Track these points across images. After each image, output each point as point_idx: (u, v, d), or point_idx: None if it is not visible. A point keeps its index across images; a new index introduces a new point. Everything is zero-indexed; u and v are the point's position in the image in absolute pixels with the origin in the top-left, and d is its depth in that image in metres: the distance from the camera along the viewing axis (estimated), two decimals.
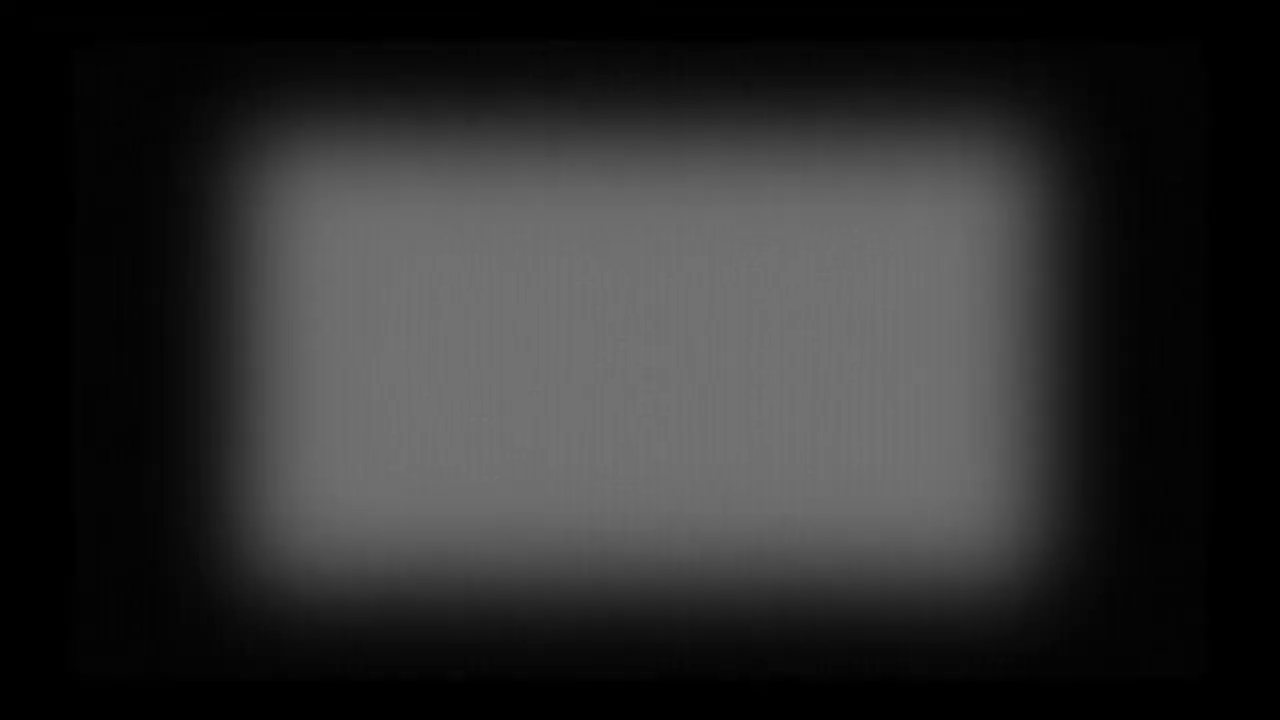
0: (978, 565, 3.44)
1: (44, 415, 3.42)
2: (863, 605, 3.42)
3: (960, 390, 3.46)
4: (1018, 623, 3.43)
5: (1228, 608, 3.38)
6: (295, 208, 3.50)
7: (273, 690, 3.43)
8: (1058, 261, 3.46)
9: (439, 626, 3.45)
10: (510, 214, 3.50)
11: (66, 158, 3.43)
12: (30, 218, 3.39)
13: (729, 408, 3.48)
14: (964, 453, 3.45)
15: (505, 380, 3.49)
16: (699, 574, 3.45)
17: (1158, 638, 3.42)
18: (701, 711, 3.41)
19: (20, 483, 3.40)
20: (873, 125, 3.46)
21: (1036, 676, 3.42)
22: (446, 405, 3.46)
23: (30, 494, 3.40)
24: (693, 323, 3.49)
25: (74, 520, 3.43)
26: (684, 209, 3.47)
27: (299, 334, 3.48)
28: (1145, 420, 3.42)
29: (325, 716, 3.41)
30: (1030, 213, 3.46)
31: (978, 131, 3.46)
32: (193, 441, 3.45)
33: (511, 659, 3.45)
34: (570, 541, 3.47)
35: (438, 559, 3.45)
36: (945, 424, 3.46)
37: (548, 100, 3.48)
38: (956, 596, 3.43)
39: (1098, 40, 3.43)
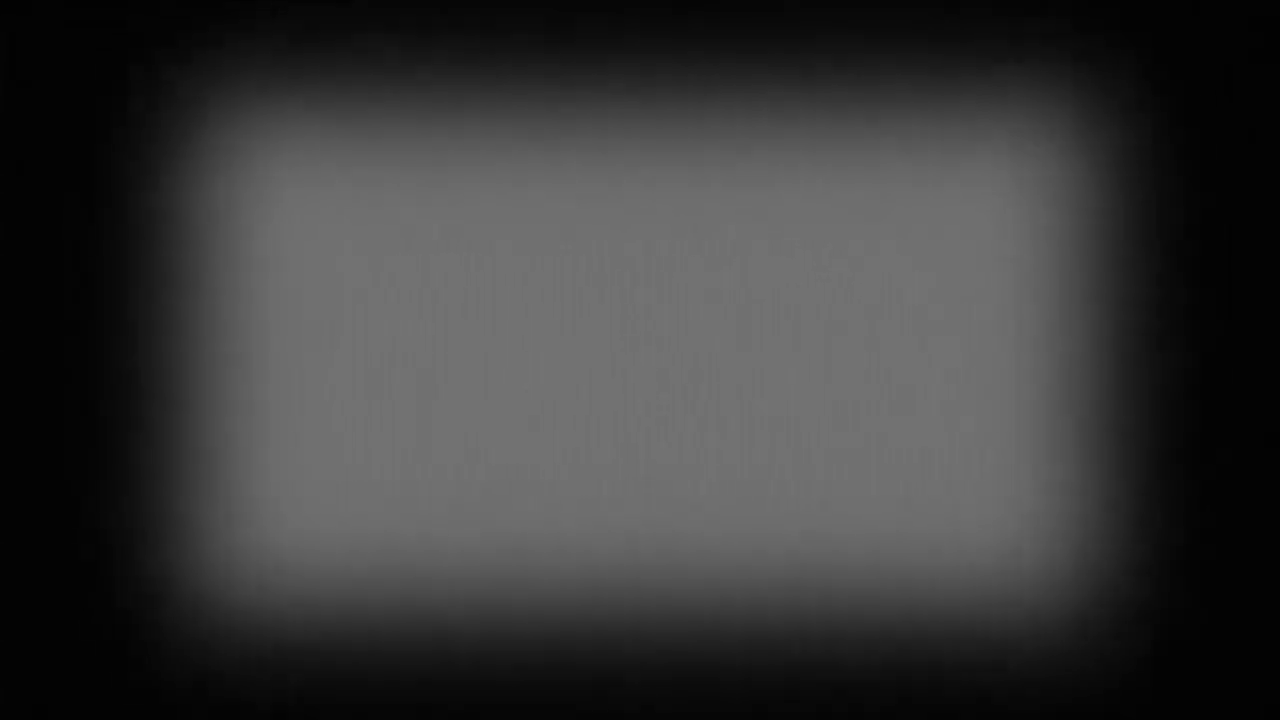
0: (1018, 584, 3.37)
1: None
2: (898, 623, 3.36)
3: (1007, 397, 3.37)
4: (1061, 641, 3.37)
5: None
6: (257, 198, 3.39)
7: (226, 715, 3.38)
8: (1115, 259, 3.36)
9: (407, 651, 3.39)
10: (495, 207, 3.38)
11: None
12: None
13: (724, 415, 3.38)
14: (1008, 465, 3.37)
15: (485, 388, 3.39)
16: (692, 598, 3.38)
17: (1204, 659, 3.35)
18: None
19: None
20: (911, 97, 3.33)
21: (1078, 695, 3.36)
22: (412, 416, 3.37)
23: None
24: (700, 321, 3.37)
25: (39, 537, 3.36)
26: (692, 197, 3.32)
27: (255, 340, 3.37)
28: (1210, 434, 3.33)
29: None
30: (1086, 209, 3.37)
31: (1030, 108, 3.34)
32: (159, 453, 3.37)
33: (488, 681, 3.38)
34: (562, 558, 3.40)
35: (402, 579, 3.39)
36: (990, 435, 3.36)
37: (545, 57, 3.37)
38: (997, 616, 3.36)
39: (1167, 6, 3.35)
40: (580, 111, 3.36)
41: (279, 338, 3.36)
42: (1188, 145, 3.34)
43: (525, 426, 3.38)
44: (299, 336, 3.36)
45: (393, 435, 3.37)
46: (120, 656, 3.35)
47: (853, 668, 3.34)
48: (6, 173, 3.33)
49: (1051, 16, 3.33)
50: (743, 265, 3.38)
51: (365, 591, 3.37)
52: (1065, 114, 3.35)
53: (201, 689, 3.36)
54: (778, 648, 3.35)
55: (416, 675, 3.36)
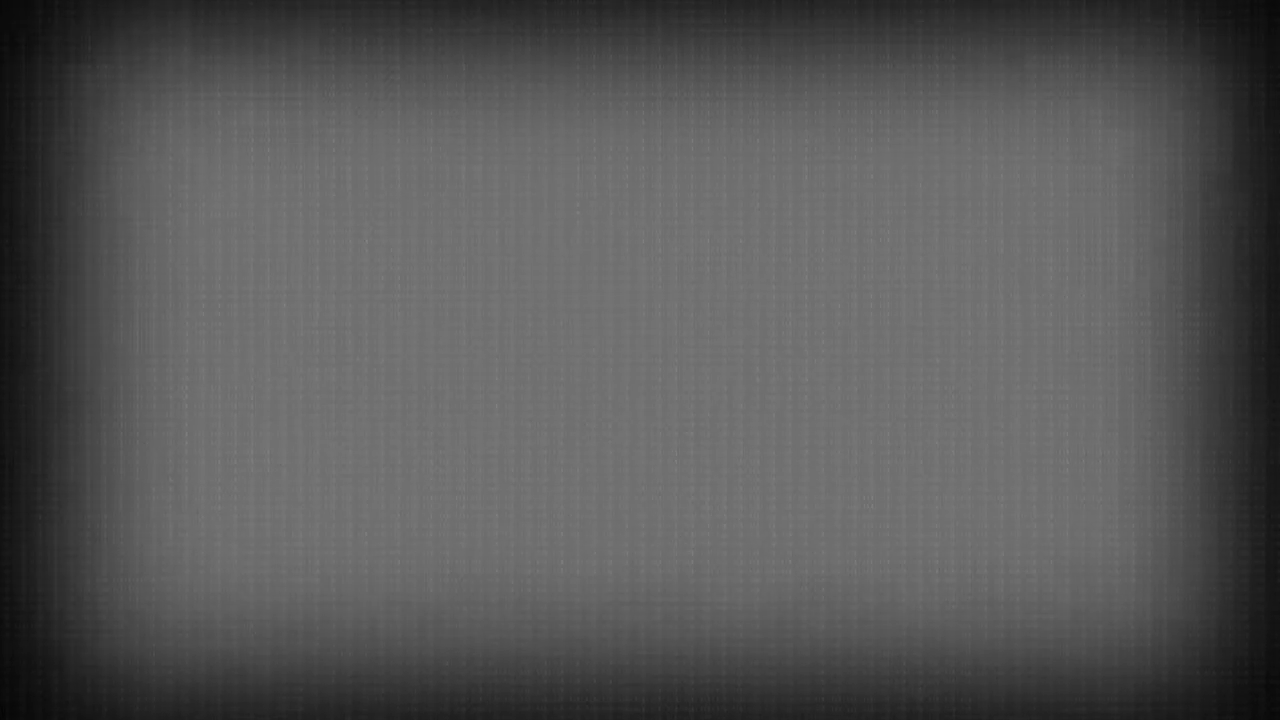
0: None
1: None
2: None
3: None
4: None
5: None
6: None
7: None
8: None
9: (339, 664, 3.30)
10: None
11: None
12: None
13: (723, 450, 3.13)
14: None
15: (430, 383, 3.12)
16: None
17: None
18: None
19: None
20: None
21: None
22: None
23: None
24: (702, 316, 3.09)
25: None
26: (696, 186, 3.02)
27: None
28: None
29: None
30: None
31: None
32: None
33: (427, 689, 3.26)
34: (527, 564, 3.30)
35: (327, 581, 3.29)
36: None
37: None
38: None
39: None
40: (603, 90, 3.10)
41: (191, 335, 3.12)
42: None
43: (493, 430, 3.24)
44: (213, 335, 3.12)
45: (315, 440, 3.23)
46: (47, 672, 3.27)
47: (941, 687, 3.25)
48: None
49: None
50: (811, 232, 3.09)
51: (288, 595, 3.25)
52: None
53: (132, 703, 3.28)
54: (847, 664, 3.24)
55: (352, 688, 3.26)
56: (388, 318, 3.19)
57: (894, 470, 3.25)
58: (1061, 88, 3.17)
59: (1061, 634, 3.24)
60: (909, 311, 3.23)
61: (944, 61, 3.13)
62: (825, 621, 3.18)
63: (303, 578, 3.27)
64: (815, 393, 3.20)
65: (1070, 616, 3.25)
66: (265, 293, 3.22)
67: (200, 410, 3.23)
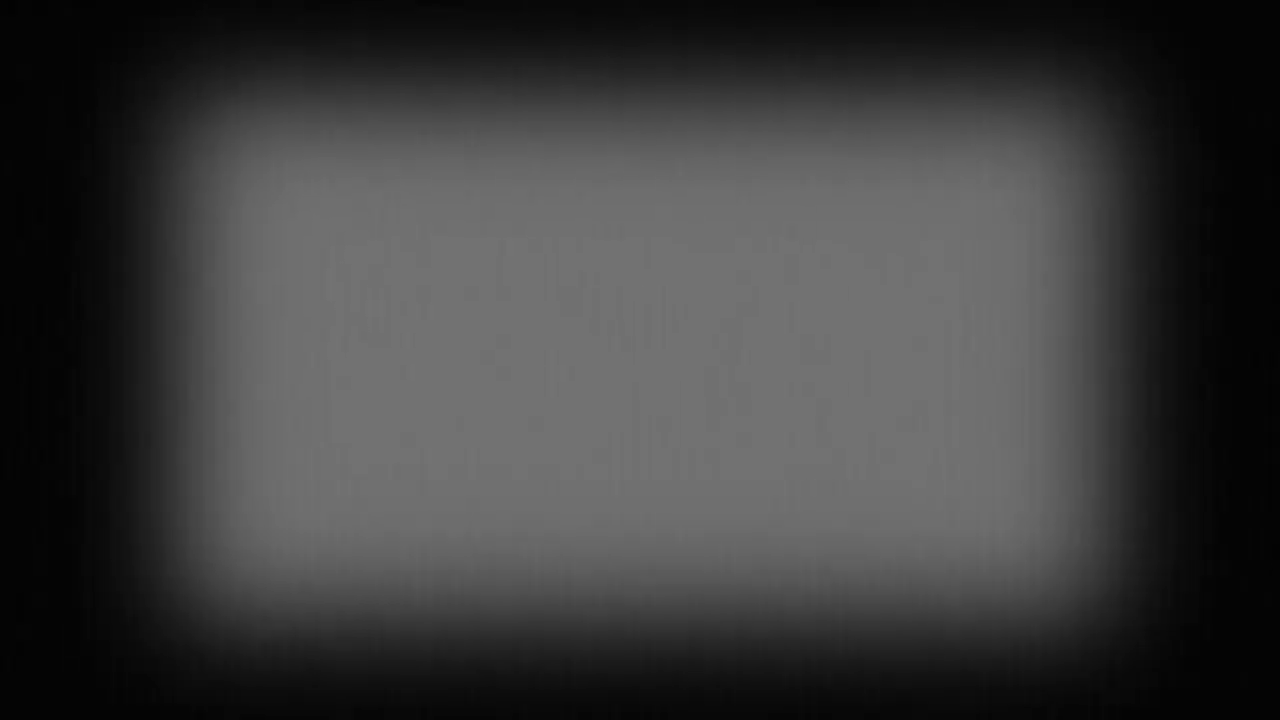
0: (1033, 589, 3.34)
1: None
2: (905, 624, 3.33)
3: (1013, 399, 3.32)
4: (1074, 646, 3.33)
5: None
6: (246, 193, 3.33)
7: None
8: (1132, 255, 3.31)
9: (398, 659, 3.36)
10: (497, 198, 3.32)
11: None
12: None
13: (728, 419, 3.34)
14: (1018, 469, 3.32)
15: (483, 388, 3.34)
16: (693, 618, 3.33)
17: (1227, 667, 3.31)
18: None
19: None
20: (911, 93, 3.26)
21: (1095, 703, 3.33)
22: (409, 416, 3.34)
23: None
24: (703, 321, 3.30)
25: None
26: (694, 193, 3.25)
27: (244, 338, 3.33)
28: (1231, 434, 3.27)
29: None
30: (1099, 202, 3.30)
31: (1037, 100, 3.27)
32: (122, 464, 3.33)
33: (481, 684, 3.34)
34: (560, 559, 3.36)
35: (398, 584, 3.35)
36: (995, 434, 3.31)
37: (539, 56, 3.29)
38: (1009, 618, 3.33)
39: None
40: (580, 104, 3.29)
41: (269, 336, 3.32)
42: (1211, 140, 3.27)
43: (523, 424, 3.33)
44: (290, 334, 3.32)
45: (386, 433, 3.33)
46: (107, 658, 3.31)
47: (861, 677, 3.31)
48: None
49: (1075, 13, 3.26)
50: (747, 265, 3.32)
51: (358, 593, 3.33)
52: (1082, 113, 3.29)
53: (191, 692, 3.33)
54: (779, 654, 3.32)
55: (407, 678, 3.33)
56: (426, 319, 3.35)
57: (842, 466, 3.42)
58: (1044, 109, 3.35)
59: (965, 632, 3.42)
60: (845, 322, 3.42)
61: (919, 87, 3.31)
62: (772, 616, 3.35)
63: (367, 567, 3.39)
64: (759, 388, 3.38)
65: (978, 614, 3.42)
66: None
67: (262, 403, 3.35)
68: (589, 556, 3.33)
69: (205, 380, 3.28)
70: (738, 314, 3.33)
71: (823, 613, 3.31)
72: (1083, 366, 3.30)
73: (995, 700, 3.29)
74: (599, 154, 3.28)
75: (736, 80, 3.27)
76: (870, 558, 3.32)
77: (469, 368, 3.33)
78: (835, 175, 3.29)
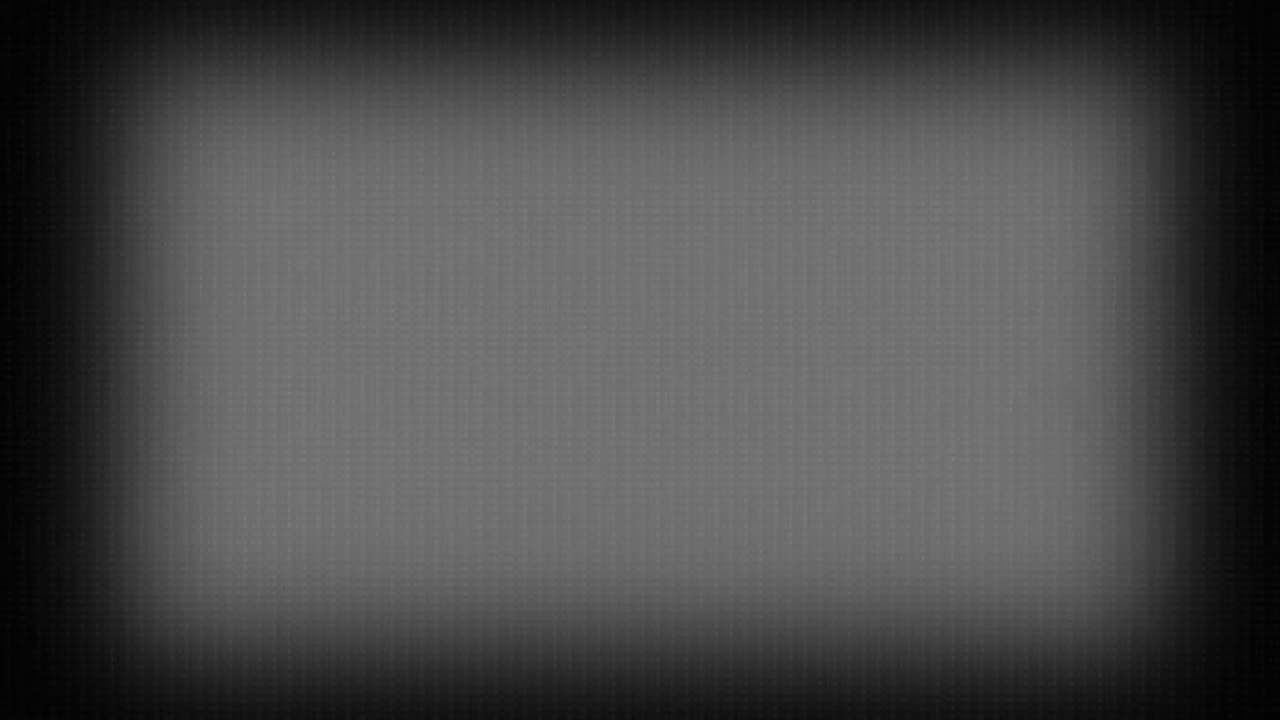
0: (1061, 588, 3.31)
1: None
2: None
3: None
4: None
5: None
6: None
7: None
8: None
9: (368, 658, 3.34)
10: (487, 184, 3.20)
11: None
12: None
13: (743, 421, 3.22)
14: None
15: (469, 390, 3.23)
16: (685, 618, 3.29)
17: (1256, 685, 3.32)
18: None
19: None
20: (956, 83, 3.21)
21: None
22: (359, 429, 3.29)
23: None
24: (704, 316, 3.19)
25: None
26: (700, 185, 3.13)
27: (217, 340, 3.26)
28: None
29: None
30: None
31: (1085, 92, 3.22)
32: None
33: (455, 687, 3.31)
34: (538, 565, 3.31)
35: (359, 594, 3.33)
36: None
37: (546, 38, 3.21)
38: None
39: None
40: (591, 96, 3.19)
41: (242, 338, 3.23)
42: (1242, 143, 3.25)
43: (498, 429, 3.24)
44: (263, 338, 3.24)
45: (350, 437, 3.26)
46: (76, 662, 3.29)
47: (877, 677, 3.28)
48: None
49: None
50: (762, 260, 3.20)
51: (322, 593, 3.29)
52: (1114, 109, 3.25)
53: (160, 697, 3.30)
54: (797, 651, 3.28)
55: (379, 683, 3.30)
56: (402, 317, 3.29)
57: (866, 472, 3.35)
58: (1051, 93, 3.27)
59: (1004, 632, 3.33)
60: (883, 319, 3.34)
61: (932, 71, 3.23)
62: (792, 618, 3.28)
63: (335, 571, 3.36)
64: (784, 394, 3.30)
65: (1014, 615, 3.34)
66: (287, 292, 3.33)
67: (233, 408, 3.32)
68: (594, 561, 3.28)
69: (185, 383, 3.22)
70: (750, 312, 3.23)
71: (836, 612, 3.27)
72: (1106, 371, 3.27)
73: (1018, 699, 3.28)
74: (615, 152, 3.20)
75: (740, 79, 3.18)
76: (891, 561, 3.26)
77: (452, 369, 3.25)
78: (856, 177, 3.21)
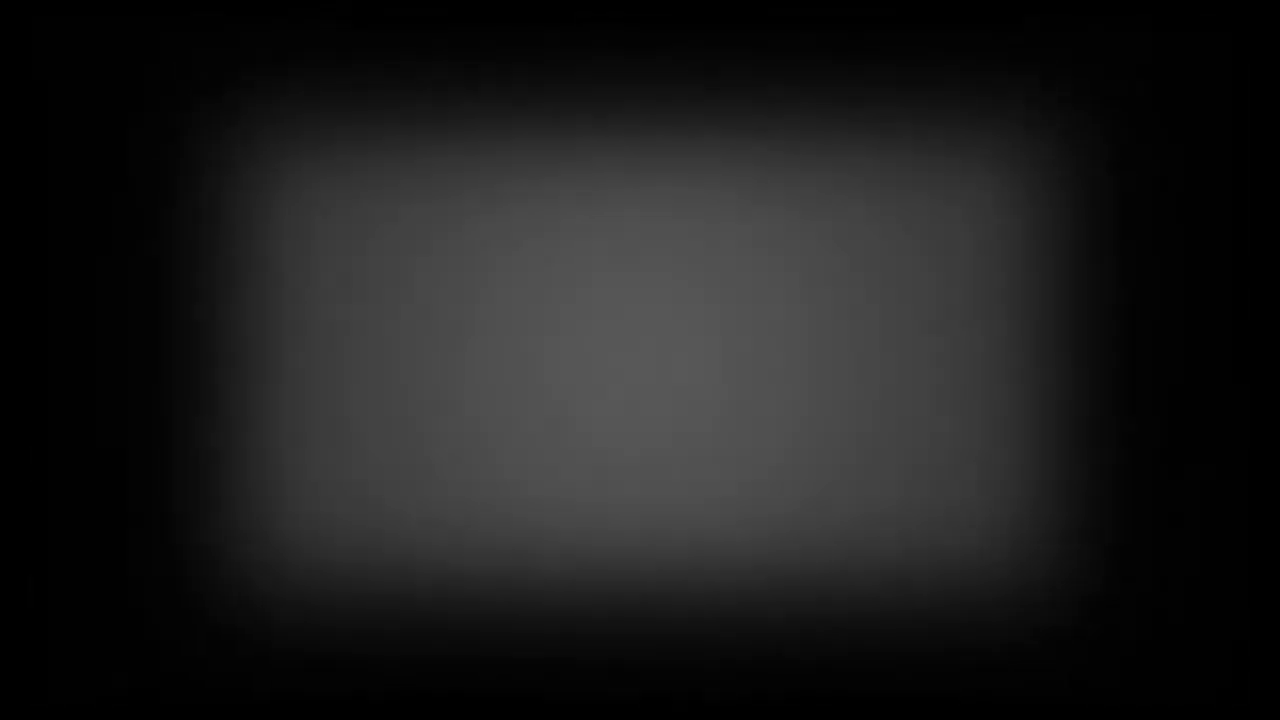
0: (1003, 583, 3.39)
1: (13, 428, 3.31)
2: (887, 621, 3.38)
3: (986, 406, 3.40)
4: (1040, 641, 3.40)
5: (1267, 635, 3.36)
6: (276, 201, 3.38)
7: (253, 710, 3.39)
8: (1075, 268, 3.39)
9: (422, 641, 3.40)
10: (518, 212, 3.38)
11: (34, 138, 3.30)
12: None
13: (722, 412, 3.39)
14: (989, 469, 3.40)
15: (503, 389, 3.39)
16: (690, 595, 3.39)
17: (1190, 664, 3.39)
18: None
19: None
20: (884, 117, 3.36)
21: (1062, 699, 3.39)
22: (427, 414, 3.38)
23: None
24: (702, 318, 3.39)
25: (45, 538, 3.34)
26: (696, 199, 3.34)
27: (274, 338, 3.38)
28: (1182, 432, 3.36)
29: None
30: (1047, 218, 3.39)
31: (998, 126, 3.36)
32: (166, 454, 3.36)
33: (507, 675, 3.39)
34: (570, 557, 3.40)
35: (421, 572, 3.39)
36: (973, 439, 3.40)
37: (556, 85, 3.36)
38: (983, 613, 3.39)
39: (1130, 30, 3.35)
40: (594, 119, 3.36)
41: (285, 340, 3.37)
42: (1179, 156, 3.36)
43: (535, 428, 3.39)
44: (305, 339, 3.37)
45: (397, 438, 3.39)
46: (129, 650, 3.36)
47: (846, 664, 3.36)
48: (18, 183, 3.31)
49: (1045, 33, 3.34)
50: (735, 264, 3.39)
51: (370, 593, 3.38)
52: (1052, 123, 3.37)
53: (211, 685, 3.37)
54: (771, 644, 3.38)
55: (421, 674, 3.38)
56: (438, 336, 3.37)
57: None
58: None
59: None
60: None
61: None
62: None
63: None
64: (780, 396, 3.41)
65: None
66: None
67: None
68: (602, 554, 3.39)
69: (226, 381, 3.34)
70: (731, 318, 3.40)
71: (816, 613, 3.36)
72: (1063, 371, 3.38)
73: (984, 702, 3.35)
74: (610, 167, 3.36)
75: (720, 100, 3.35)
76: (863, 558, 3.38)
77: (483, 368, 3.39)
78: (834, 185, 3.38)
